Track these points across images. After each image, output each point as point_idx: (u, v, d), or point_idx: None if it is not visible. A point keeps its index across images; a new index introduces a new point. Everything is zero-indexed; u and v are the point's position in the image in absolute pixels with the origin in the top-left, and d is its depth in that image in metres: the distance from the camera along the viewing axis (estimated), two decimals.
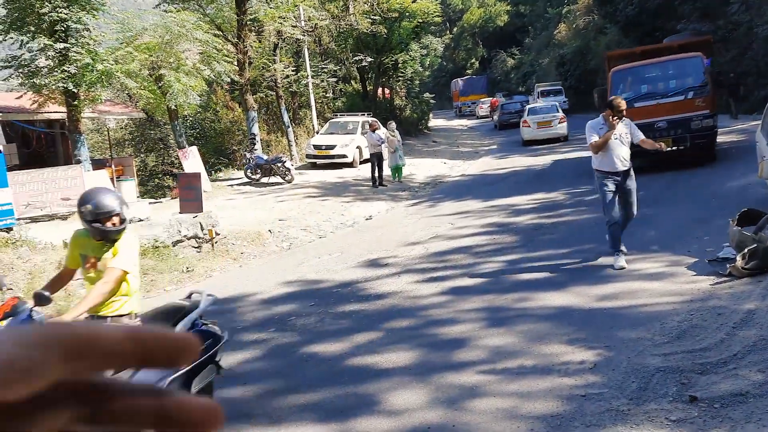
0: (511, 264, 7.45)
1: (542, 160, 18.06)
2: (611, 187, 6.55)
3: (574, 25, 43.40)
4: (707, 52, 13.40)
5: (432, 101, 40.91)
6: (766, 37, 20.33)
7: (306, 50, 23.20)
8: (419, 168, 19.91)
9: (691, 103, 11.75)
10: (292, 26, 20.19)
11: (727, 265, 5.72)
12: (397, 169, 17.02)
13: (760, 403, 3.34)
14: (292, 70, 22.59)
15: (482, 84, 54.13)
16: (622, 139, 6.55)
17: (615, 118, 6.45)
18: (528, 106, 26.23)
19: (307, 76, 22.91)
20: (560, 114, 23.06)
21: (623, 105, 6.50)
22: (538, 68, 51.10)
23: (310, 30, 22.52)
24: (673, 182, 11.31)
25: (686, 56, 12.64)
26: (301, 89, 23.88)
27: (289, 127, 21.31)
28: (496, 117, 35.85)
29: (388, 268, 8.18)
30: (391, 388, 4.42)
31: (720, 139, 14.86)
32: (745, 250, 5.59)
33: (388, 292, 6.96)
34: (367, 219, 12.69)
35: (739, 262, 5.57)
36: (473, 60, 70.49)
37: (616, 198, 6.58)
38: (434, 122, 41.79)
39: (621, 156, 6.53)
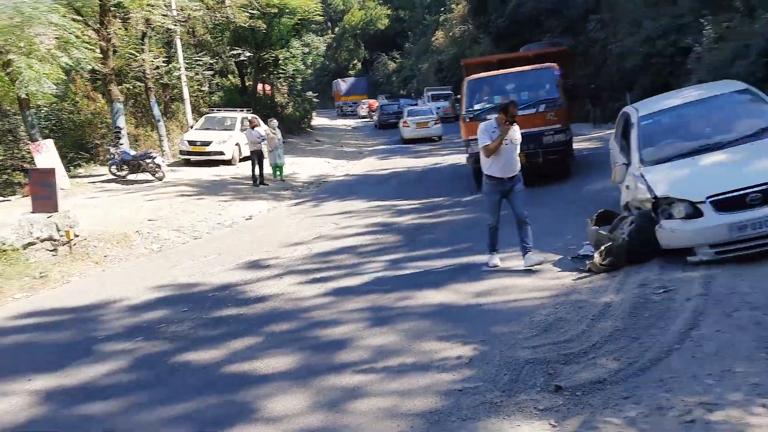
0: (393, 263, 7.55)
1: (424, 162, 18.57)
2: (497, 194, 6.62)
3: (450, 33, 45.09)
4: (564, 63, 13.20)
5: (315, 100, 40.71)
6: (619, 53, 22.25)
7: (179, 41, 22.10)
8: (302, 167, 19.71)
9: (543, 117, 11.31)
10: (162, 15, 19.13)
11: (587, 262, 6.17)
12: (277, 168, 16.72)
13: (615, 389, 3.62)
14: (164, 61, 21.43)
15: (363, 85, 55.49)
16: (513, 145, 6.61)
17: (507, 122, 6.48)
18: (407, 108, 28.57)
19: (180, 67, 21.85)
20: (435, 116, 26.39)
21: (517, 112, 6.57)
22: (418, 72, 52.56)
23: (183, 20, 21.47)
24: (538, 185, 12.06)
25: (539, 67, 12.14)
26: (174, 81, 22.72)
27: (159, 121, 20.20)
28: (376, 117, 38.58)
29: (270, 269, 8.00)
30: (270, 394, 4.30)
31: (582, 145, 16.11)
32: (602, 248, 6.07)
33: (268, 295, 6.79)
34: (246, 219, 12.33)
35: (597, 258, 6.04)
36: (355, 61, 71.07)
37: (501, 203, 6.66)
38: (317, 121, 41.62)
39: (512, 161, 6.57)
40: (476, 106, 11.82)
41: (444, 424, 3.54)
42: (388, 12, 66.35)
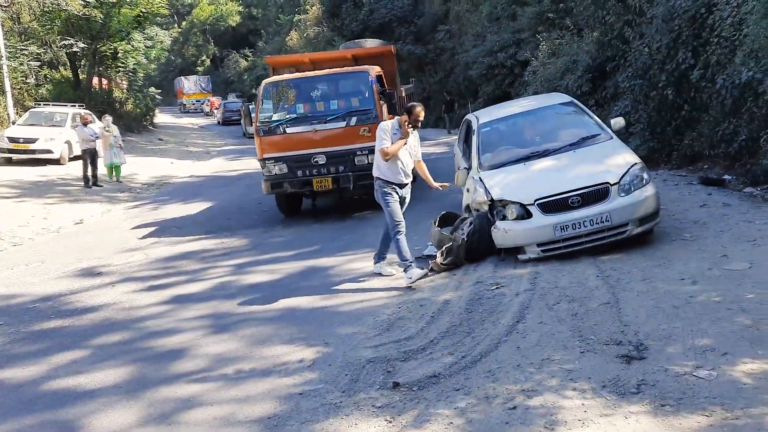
0: (239, 268, 7.32)
1: None
2: (395, 196, 6.24)
3: (305, 34, 44.93)
4: (389, 66, 11.37)
5: (158, 96, 38.47)
6: (465, 63, 23.58)
7: (0, 27, 19.80)
8: (143, 167, 18.51)
9: (355, 132, 9.14)
10: None
11: (429, 262, 6.42)
12: (113, 168, 15.53)
13: (448, 382, 3.78)
14: None
15: (207, 83, 55.07)
16: (411, 151, 6.33)
17: (410, 126, 6.18)
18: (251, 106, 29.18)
19: (1, 56, 19.56)
20: None
21: (422, 115, 6.20)
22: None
23: (5, 5, 19.26)
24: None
25: (352, 70, 9.99)
26: None
27: None
28: (219, 115, 40.34)
29: (101, 278, 7.38)
30: (96, 410, 3.95)
31: (432, 150, 16.79)
32: (443, 248, 6.35)
33: (98, 305, 6.25)
34: (76, 223, 11.30)
35: (438, 258, 6.30)
36: (204, 57, 68.34)
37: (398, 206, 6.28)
38: (161, 119, 39.43)
39: (407, 167, 6.31)
40: (274, 116, 9.49)
41: (282, 429, 3.46)
42: (240, 9, 64.67)
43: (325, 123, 9.20)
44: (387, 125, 6.26)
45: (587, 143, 7.02)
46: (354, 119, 9.22)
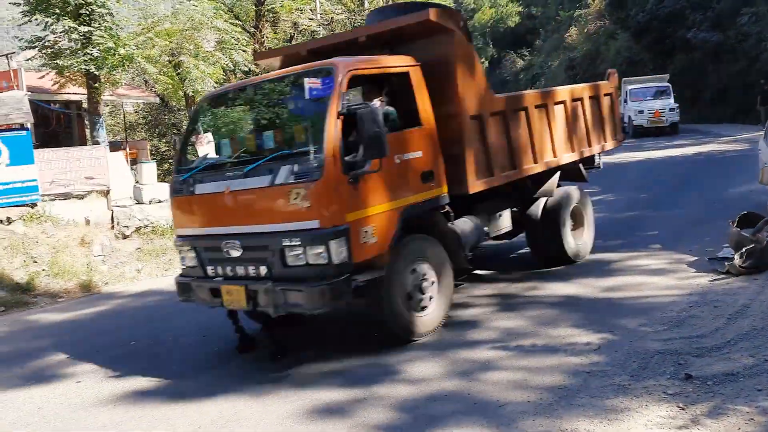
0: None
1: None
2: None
3: (585, 29, 43.58)
4: (446, 50, 5.53)
5: None
6: None
7: None
8: None
9: (285, 198, 4.58)
10: (309, 18, 20.49)
11: (726, 264, 6.06)
12: None
13: (749, 382, 3.68)
14: None
15: None
16: None
17: None
18: None
19: None
20: None
21: None
22: (547, 70, 51.31)
23: (326, 23, 22.82)
24: (674, 188, 11.65)
25: (303, 70, 5.01)
26: None
27: None
28: None
29: None
30: (410, 360, 4.78)
31: (727, 147, 15.17)
32: (743, 250, 5.93)
33: None
34: None
35: (737, 260, 5.91)
36: (483, 59, 70.62)
37: None
38: None
39: None
40: (195, 160, 5.52)
41: (573, 399, 3.79)
42: (519, 9, 65.18)
43: (244, 177, 4.81)
44: None
45: None
46: (282, 172, 4.57)
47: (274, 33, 20.58)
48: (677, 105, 23.24)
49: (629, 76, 32.71)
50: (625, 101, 23.69)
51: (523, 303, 5.88)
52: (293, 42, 21.37)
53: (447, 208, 5.43)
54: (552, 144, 6.78)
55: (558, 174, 6.96)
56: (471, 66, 5.73)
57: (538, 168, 6.56)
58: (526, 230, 7.04)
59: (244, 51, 17.00)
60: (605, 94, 7.90)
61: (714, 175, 12.41)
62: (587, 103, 7.41)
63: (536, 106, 6.56)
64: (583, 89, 7.64)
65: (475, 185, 5.67)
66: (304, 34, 22.69)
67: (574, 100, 7.22)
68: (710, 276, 5.98)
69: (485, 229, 6.07)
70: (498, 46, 67.03)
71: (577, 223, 7.20)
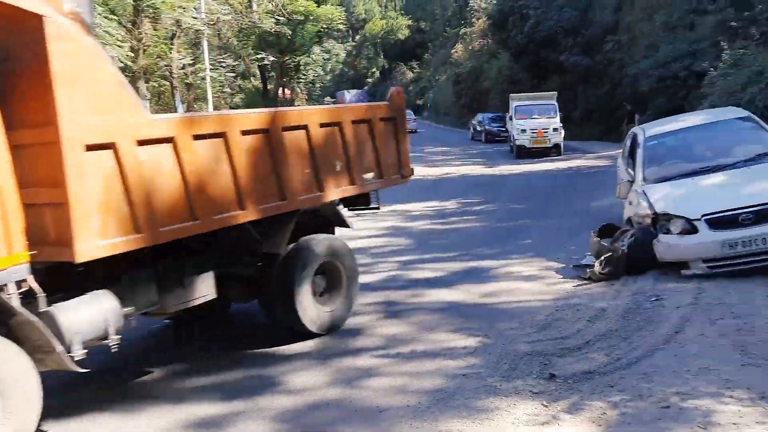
0: (404, 264, 8.02)
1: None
2: None
3: (470, 47, 45.64)
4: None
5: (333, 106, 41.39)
6: (634, 74, 22.62)
7: (206, 42, 22.84)
8: None
9: None
10: (193, 17, 19.86)
11: (587, 270, 6.61)
12: None
13: (603, 379, 4.05)
14: (190, 62, 22.15)
15: (364, 96, 59.41)
16: None
17: None
18: None
19: (205, 68, 22.56)
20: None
21: None
22: (435, 84, 53.17)
23: (212, 23, 22.24)
24: (547, 200, 12.52)
25: None
26: (198, 82, 23.45)
27: None
28: None
29: None
30: (294, 370, 4.78)
31: (594, 162, 16.39)
32: (602, 258, 6.51)
33: None
34: None
35: (597, 268, 6.48)
36: (374, 69, 71.82)
37: None
38: None
39: None
40: None
41: (449, 401, 3.97)
42: (409, 23, 67.07)
43: None
44: None
45: (764, 160, 6.75)
46: None
47: (155, 30, 19.74)
48: (561, 125, 22.20)
49: (511, 93, 34.77)
50: (511, 118, 23.14)
51: (407, 310, 6.07)
52: (174, 40, 20.61)
53: (27, 284, 3.58)
54: (279, 182, 4.95)
55: (293, 221, 5.21)
56: (84, 70, 3.71)
57: (247, 216, 4.72)
58: (256, 296, 5.51)
59: (119, 47, 16.13)
60: (384, 119, 6.04)
61: (582, 188, 13.46)
62: (349, 129, 5.56)
63: (245, 132, 4.69)
64: (340, 112, 5.91)
65: (94, 249, 3.72)
66: (187, 33, 21.99)
67: (324, 125, 5.35)
68: (575, 282, 6.50)
69: (127, 310, 4.12)
70: (389, 57, 68.43)
71: (332, 284, 5.56)
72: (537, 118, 22.14)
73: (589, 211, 10.43)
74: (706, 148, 7.56)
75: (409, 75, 62.51)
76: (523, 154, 21.60)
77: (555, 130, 21.75)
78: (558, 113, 22.43)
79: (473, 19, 46.47)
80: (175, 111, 20.95)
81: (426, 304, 6.23)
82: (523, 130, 21.79)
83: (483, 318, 5.60)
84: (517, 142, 22.04)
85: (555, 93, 24.55)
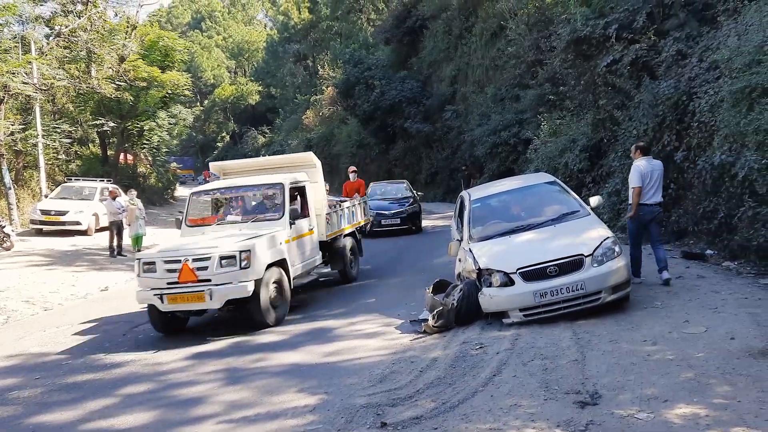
0: (251, 329, 8.00)
1: None
2: None
3: (320, 113, 47.13)
4: None
5: (179, 171, 40.22)
6: (471, 141, 24.79)
7: (38, 108, 21.48)
8: (162, 238, 19.46)
9: None
10: (23, 82, 18.68)
11: (422, 324, 7.10)
12: (137, 239, 16.51)
13: (429, 423, 4.42)
14: (20, 128, 20.59)
15: (190, 163, 66.84)
16: None
17: None
18: None
19: (37, 135, 21.11)
20: None
21: None
22: (287, 148, 53.83)
23: (45, 88, 20.99)
24: (393, 259, 13.16)
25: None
26: (29, 148, 21.79)
27: (10, 188, 19.24)
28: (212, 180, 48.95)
29: (126, 337, 8.11)
30: None
31: (439, 222, 17.42)
32: (435, 312, 7.04)
33: (125, 361, 6.97)
34: (102, 290, 12.13)
35: (431, 321, 6.99)
36: (224, 133, 71.19)
37: None
38: (181, 192, 40.93)
39: None
40: None
41: None
42: (260, 88, 67.86)
43: None
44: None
45: (567, 218, 7.80)
46: None
47: None
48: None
49: (360, 157, 36.22)
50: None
51: (250, 374, 6.09)
52: (1, 106, 19.10)
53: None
54: None
55: None
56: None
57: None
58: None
59: None
60: None
61: (425, 247, 14.34)
62: None
63: None
64: None
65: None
66: (16, 98, 20.55)
67: None
68: (411, 336, 6.95)
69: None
70: (239, 122, 68.39)
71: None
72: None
73: (430, 269, 11.15)
74: (521, 209, 8.54)
75: (261, 139, 62.81)
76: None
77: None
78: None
79: (323, 87, 48.22)
80: (2, 180, 19.26)
81: (269, 367, 6.29)
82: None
83: (324, 376, 5.80)
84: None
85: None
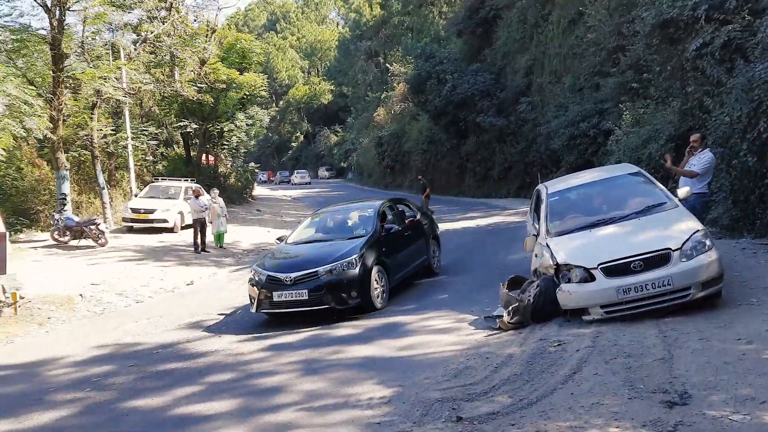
0: (327, 324, 8.17)
1: None
2: None
3: (391, 110, 47.33)
4: None
5: (257, 171, 41.53)
6: (547, 133, 24.17)
7: (127, 112, 22.73)
8: (244, 235, 20.18)
9: None
10: (114, 87, 19.82)
11: (497, 321, 6.99)
12: (219, 236, 17.19)
13: (505, 419, 4.35)
14: (111, 131, 21.88)
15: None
16: None
17: None
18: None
19: (127, 137, 22.35)
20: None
21: None
22: (359, 146, 54.44)
23: (133, 92, 22.19)
24: (465, 255, 13.03)
25: None
26: (119, 150, 23.12)
27: (104, 188, 20.47)
28: (276, 180, 61.82)
29: (210, 329, 8.46)
30: (213, 429, 4.82)
31: (512, 219, 17.11)
32: (510, 308, 6.92)
33: (210, 351, 7.27)
34: (188, 284, 12.70)
35: (506, 317, 6.88)
36: (298, 133, 72.80)
37: None
38: (259, 191, 42.24)
39: None
40: None
41: None
42: (332, 87, 68.93)
43: None
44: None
45: (653, 211, 7.42)
46: None
47: (74, 100, 19.49)
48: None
49: (431, 153, 36.09)
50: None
51: (326, 366, 6.21)
52: (95, 110, 20.35)
53: None
54: None
55: None
56: None
57: None
58: None
59: (39, 117, 15.85)
60: None
61: (497, 243, 14.13)
62: None
63: None
64: None
65: None
66: (108, 102, 21.81)
67: None
68: (486, 332, 6.85)
69: None
70: (312, 122, 69.66)
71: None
72: None
73: (504, 265, 10.98)
74: (602, 202, 8.20)
75: (333, 138, 63.82)
76: None
77: None
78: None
79: (394, 84, 48.36)
80: (96, 180, 20.53)
81: (345, 360, 6.39)
82: None
83: (398, 370, 5.83)
84: None
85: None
